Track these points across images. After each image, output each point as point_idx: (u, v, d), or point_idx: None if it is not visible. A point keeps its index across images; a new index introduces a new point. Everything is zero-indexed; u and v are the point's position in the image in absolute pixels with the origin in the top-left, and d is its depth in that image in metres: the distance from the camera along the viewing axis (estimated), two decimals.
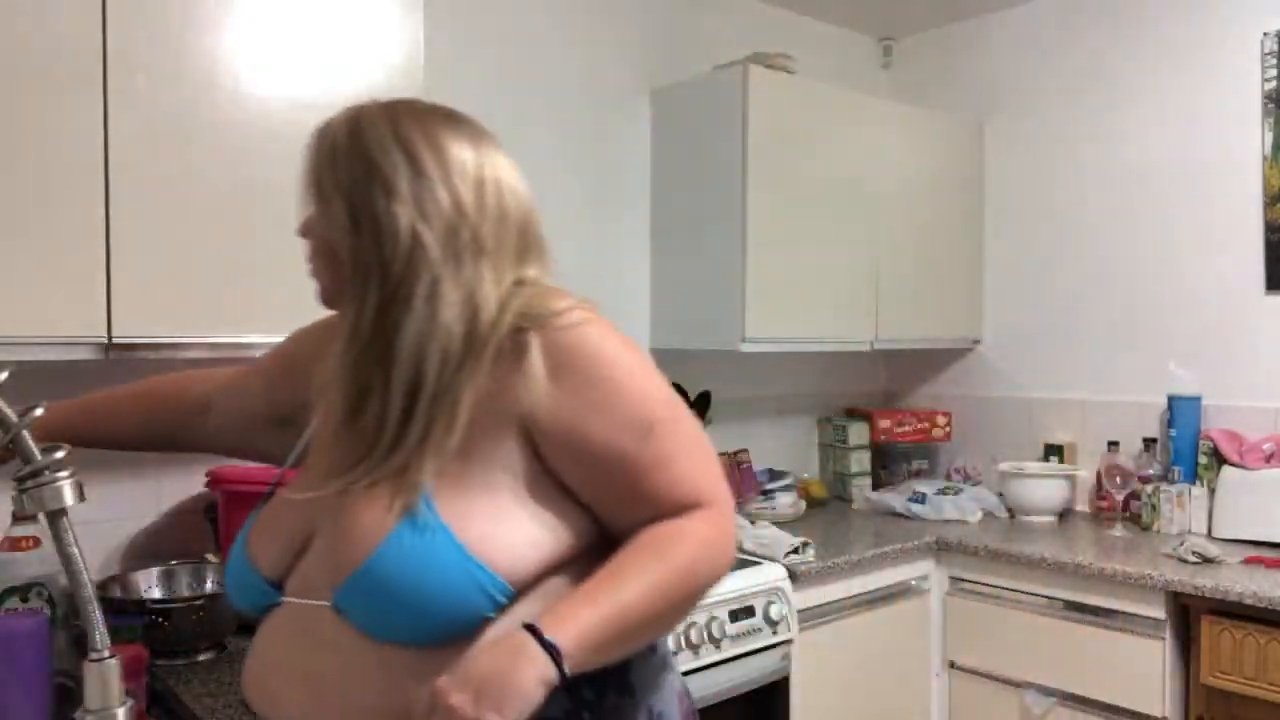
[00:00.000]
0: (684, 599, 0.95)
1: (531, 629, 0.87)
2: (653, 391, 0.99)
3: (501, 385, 0.96)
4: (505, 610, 0.93)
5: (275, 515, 1.07)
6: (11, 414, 0.86)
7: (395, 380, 0.95)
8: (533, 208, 1.07)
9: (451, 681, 0.85)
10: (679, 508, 0.97)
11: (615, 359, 0.98)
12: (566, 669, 0.86)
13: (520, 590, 0.94)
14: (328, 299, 1.06)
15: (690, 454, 0.99)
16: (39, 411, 0.89)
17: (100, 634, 0.84)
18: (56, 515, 0.85)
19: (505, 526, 0.94)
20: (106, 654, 0.84)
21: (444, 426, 0.94)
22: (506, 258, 1.01)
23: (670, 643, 1.12)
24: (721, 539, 0.98)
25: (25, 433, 0.86)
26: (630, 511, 0.98)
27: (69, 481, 0.85)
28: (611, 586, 0.91)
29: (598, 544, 1.01)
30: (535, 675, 0.85)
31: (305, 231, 1.06)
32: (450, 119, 1.03)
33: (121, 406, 1.37)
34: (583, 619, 0.88)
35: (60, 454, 0.86)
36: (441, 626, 0.91)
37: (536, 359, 0.96)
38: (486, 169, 1.02)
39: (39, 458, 0.85)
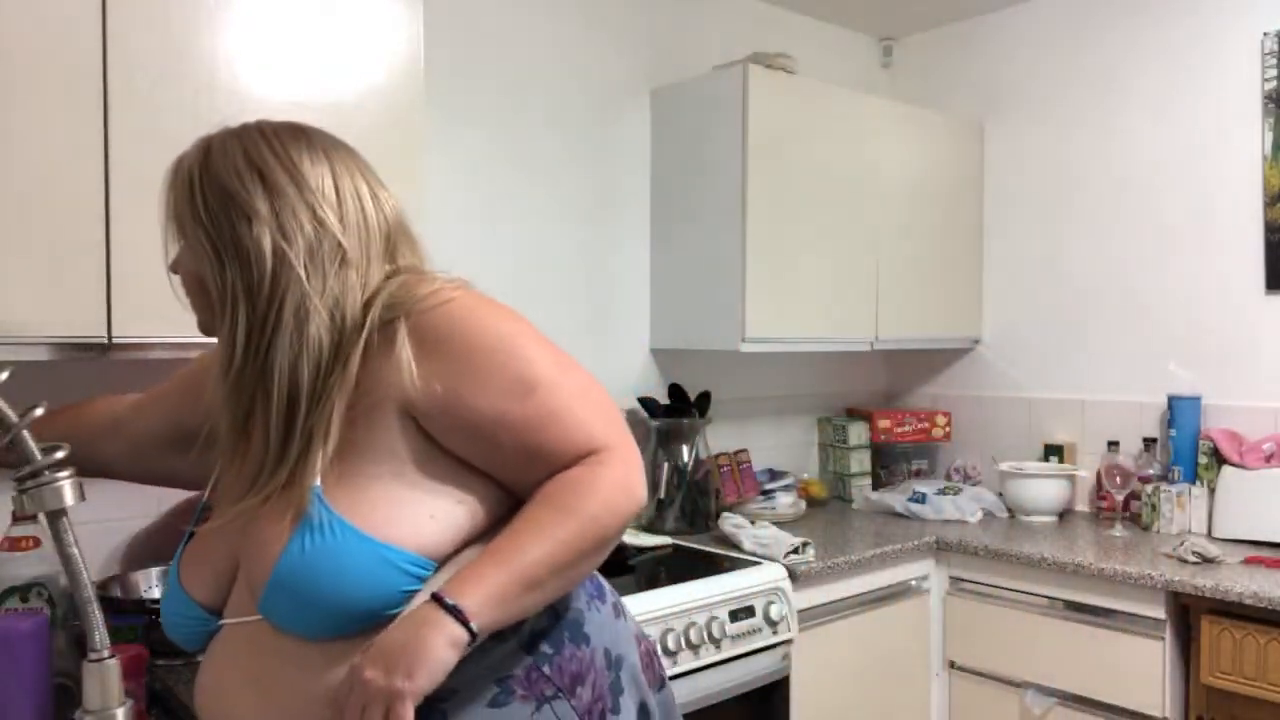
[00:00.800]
0: (591, 546, 0.97)
1: (436, 596, 0.90)
2: (531, 353, 1.00)
3: (375, 378, 0.98)
4: (432, 582, 0.96)
5: (201, 547, 1.09)
6: (12, 414, 0.86)
7: (274, 399, 0.97)
8: (397, 209, 1.08)
9: (365, 658, 0.89)
10: (575, 458, 0.98)
11: (485, 328, 0.99)
12: (474, 627, 0.89)
13: (442, 561, 0.97)
14: (204, 328, 1.08)
15: (580, 404, 1.00)
16: (39, 412, 0.89)
17: (100, 634, 0.84)
18: (56, 515, 0.86)
19: (406, 509, 0.96)
20: (106, 654, 0.84)
21: (322, 433, 0.97)
22: (374, 262, 1.03)
23: (615, 597, 1.15)
24: (624, 481, 0.99)
25: (25, 433, 0.86)
26: (528, 471, 0.99)
27: (69, 481, 0.86)
28: (513, 542, 0.94)
29: (512, 509, 1.02)
30: (444, 639, 0.88)
31: (175, 267, 1.08)
32: (302, 134, 1.05)
33: (42, 425, 1.38)
34: (487, 579, 0.91)
35: (60, 454, 0.86)
36: (364, 613, 0.93)
37: (404, 345, 0.97)
38: (343, 179, 1.03)
39: (39, 458, 0.85)
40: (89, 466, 1.27)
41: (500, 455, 0.99)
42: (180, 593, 1.07)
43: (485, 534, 1.00)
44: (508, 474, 1.01)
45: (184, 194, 1.02)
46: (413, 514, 0.96)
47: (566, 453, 0.99)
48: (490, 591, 0.91)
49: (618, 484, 0.99)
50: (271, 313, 0.97)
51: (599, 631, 1.07)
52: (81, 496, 0.86)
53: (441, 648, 0.88)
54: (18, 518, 1.54)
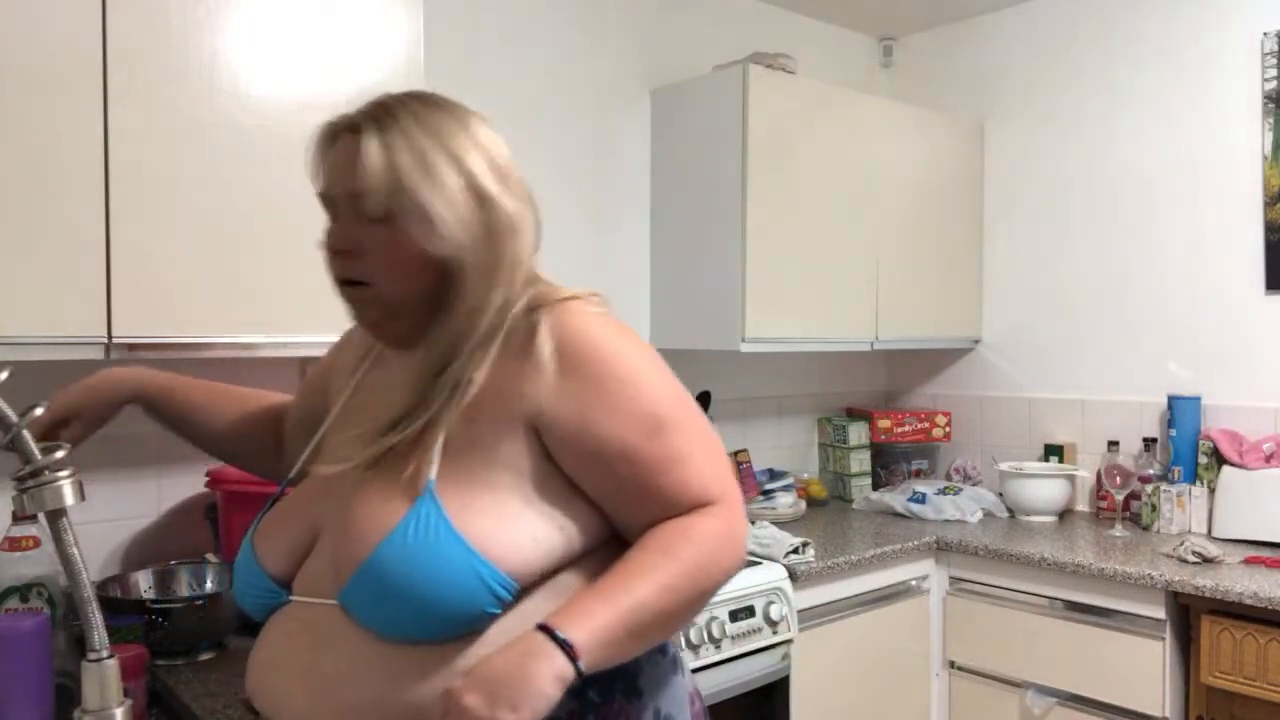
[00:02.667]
0: (695, 597, 0.95)
1: (545, 628, 0.87)
2: (662, 388, 1.00)
3: (510, 377, 0.97)
4: (513, 607, 0.93)
5: (281, 515, 1.07)
6: (11, 414, 0.86)
7: (431, 357, 0.99)
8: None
9: (466, 683, 0.86)
10: (689, 505, 0.97)
11: (624, 355, 0.99)
12: (582, 665, 0.86)
13: (528, 587, 0.94)
14: (393, 309, 1.03)
15: (700, 451, 0.99)
16: (38, 411, 0.89)
17: (99, 634, 0.84)
18: (56, 515, 0.85)
19: (509, 524, 0.94)
20: (105, 654, 0.83)
21: (463, 388, 0.97)
22: (532, 242, 1.05)
23: (681, 641, 1.13)
24: (732, 537, 0.98)
25: (25, 432, 0.86)
26: (640, 510, 0.98)
27: (69, 481, 0.85)
28: (624, 583, 0.91)
29: (608, 541, 1.01)
30: (551, 673, 0.85)
31: (349, 234, 1.01)
32: (466, 110, 1.05)
33: (227, 402, 1.34)
34: (597, 616, 0.88)
35: (60, 454, 0.86)
36: (444, 622, 0.90)
37: (546, 350, 0.97)
38: (506, 156, 1.05)
39: (39, 457, 0.85)
40: (258, 458, 1.33)
41: (615, 487, 0.98)
42: (252, 559, 1.05)
43: (576, 563, 0.98)
44: (617, 507, 0.99)
45: (416, 166, 0.97)
46: (516, 532, 0.94)
47: (682, 499, 0.97)
48: (599, 629, 0.88)
49: (728, 539, 0.97)
50: (485, 284, 0.99)
51: (653, 687, 1.03)
52: (82, 496, 0.86)
53: (548, 682, 0.85)
54: (18, 518, 1.54)
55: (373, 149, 0.96)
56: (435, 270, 0.99)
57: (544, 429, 0.97)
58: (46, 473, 0.84)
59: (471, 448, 0.97)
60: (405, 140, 0.97)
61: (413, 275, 0.99)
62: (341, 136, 1.01)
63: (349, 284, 1.02)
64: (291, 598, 1.02)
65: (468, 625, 0.91)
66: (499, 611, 0.92)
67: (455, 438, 0.97)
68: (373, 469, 0.99)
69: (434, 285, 1.00)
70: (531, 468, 0.97)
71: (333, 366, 1.23)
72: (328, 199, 1.03)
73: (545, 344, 0.97)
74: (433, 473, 0.95)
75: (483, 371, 0.97)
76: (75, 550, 0.85)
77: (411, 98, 1.02)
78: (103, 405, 1.25)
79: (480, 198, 0.99)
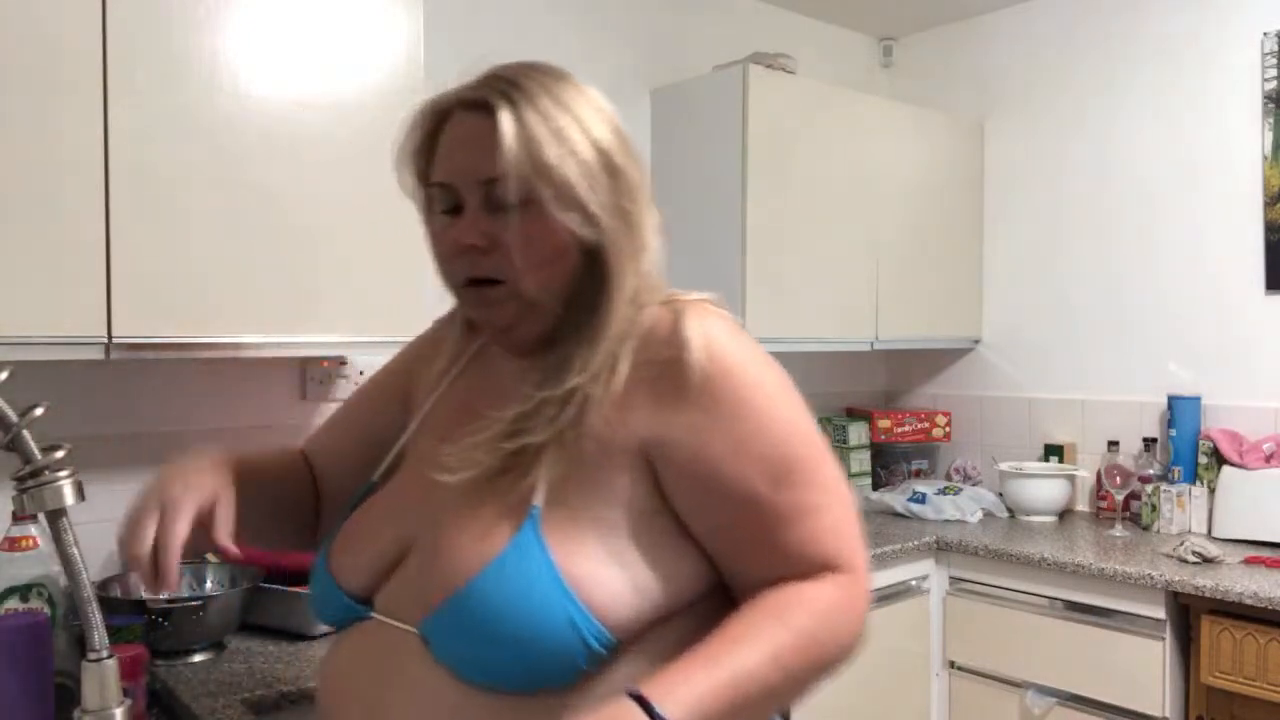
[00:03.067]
0: (806, 675, 0.84)
1: (638, 696, 0.76)
2: (795, 424, 0.89)
3: (634, 393, 0.86)
4: (607, 665, 0.83)
5: (366, 526, 0.96)
6: (12, 414, 0.86)
7: (581, 340, 0.89)
8: None
9: None
10: (810, 568, 0.86)
11: (759, 382, 0.88)
12: None
13: (625, 641, 0.84)
14: (530, 308, 0.90)
15: (829, 507, 0.87)
16: (39, 411, 0.88)
17: (99, 634, 0.83)
18: (56, 515, 0.84)
19: (613, 570, 0.83)
20: (105, 654, 0.83)
21: (608, 374, 0.86)
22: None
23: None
24: (856, 612, 0.87)
25: (25, 433, 0.86)
26: (754, 565, 0.87)
27: (69, 481, 0.85)
28: (729, 651, 0.80)
29: (713, 597, 0.90)
30: None
31: (527, 232, 0.87)
32: (570, 74, 0.99)
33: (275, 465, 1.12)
34: (696, 685, 0.78)
35: (60, 453, 0.85)
36: (529, 671, 0.81)
37: (695, 369, 0.85)
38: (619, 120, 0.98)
39: (39, 457, 0.85)
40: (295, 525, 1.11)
41: (730, 533, 0.87)
42: (325, 572, 0.95)
43: (675, 618, 0.87)
44: (730, 559, 0.88)
45: (538, 139, 0.86)
46: (619, 579, 0.83)
47: (804, 560, 0.86)
48: (697, 701, 0.77)
49: (851, 614, 0.86)
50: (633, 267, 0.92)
51: None
52: (81, 496, 0.85)
53: None
54: (18, 518, 1.54)
55: (509, 127, 0.85)
56: (574, 258, 0.89)
57: (661, 459, 0.86)
58: (47, 473, 0.84)
59: (581, 473, 0.86)
60: (539, 115, 0.86)
61: (554, 266, 0.88)
62: (454, 115, 0.90)
63: (480, 283, 0.89)
64: (372, 614, 0.91)
65: (554, 679, 0.81)
66: (590, 668, 0.82)
67: (565, 460, 0.86)
68: (475, 485, 0.88)
69: (572, 276, 0.89)
70: (642, 503, 0.86)
71: (412, 372, 1.09)
72: (446, 188, 0.90)
73: (694, 360, 0.85)
74: (539, 499, 0.84)
75: (612, 383, 0.86)
76: (75, 550, 0.84)
77: (528, 66, 0.92)
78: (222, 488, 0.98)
79: (611, 170, 0.90)
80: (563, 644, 0.80)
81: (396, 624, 0.88)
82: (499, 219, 0.87)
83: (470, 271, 0.89)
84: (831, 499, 0.88)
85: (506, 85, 0.88)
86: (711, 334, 0.87)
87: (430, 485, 0.89)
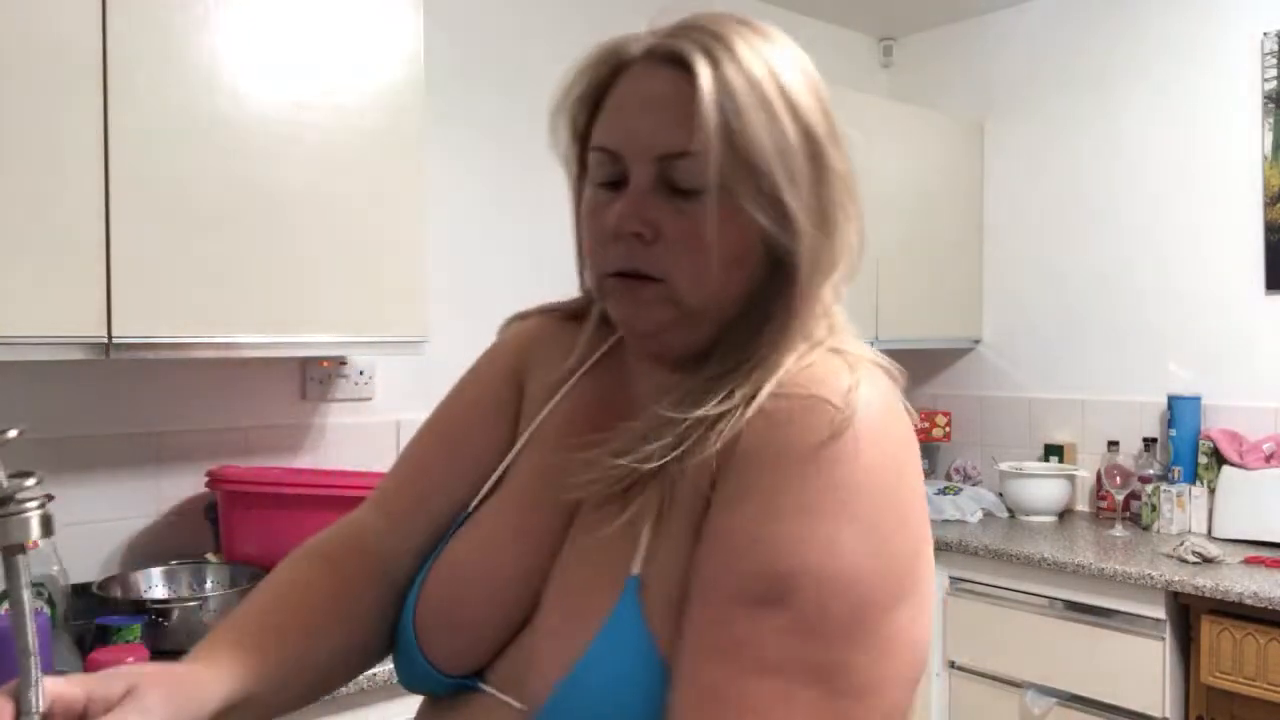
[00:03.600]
0: None
1: None
2: (887, 557, 0.66)
3: (742, 440, 0.66)
4: None
5: (462, 580, 0.75)
6: None
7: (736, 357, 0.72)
8: None
9: None
10: None
11: (897, 499, 0.69)
12: None
13: None
14: (691, 314, 0.71)
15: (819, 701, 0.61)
16: (12, 434, 0.71)
17: (35, 693, 0.67)
18: (14, 550, 0.72)
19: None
20: (36, 718, 0.67)
21: (712, 444, 0.66)
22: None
23: None
24: None
25: None
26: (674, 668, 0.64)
27: (37, 514, 0.72)
28: None
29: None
30: None
31: (706, 224, 0.69)
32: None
33: (306, 621, 0.80)
34: None
35: (31, 480, 0.73)
36: None
37: (821, 432, 0.65)
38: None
39: (5, 485, 0.73)
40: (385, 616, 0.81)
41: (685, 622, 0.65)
42: (411, 640, 0.75)
43: None
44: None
45: (744, 111, 0.68)
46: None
47: None
48: None
49: None
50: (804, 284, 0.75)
51: None
52: (48, 532, 0.72)
53: None
54: None
55: (709, 93, 0.66)
56: (755, 267, 0.72)
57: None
58: (12, 503, 0.72)
59: (687, 522, 0.66)
60: (748, 82, 0.68)
61: (730, 273, 0.70)
62: (635, 67, 0.74)
63: (632, 277, 0.70)
64: (482, 686, 0.73)
65: None
66: None
67: (674, 500, 0.68)
68: (583, 524, 0.72)
69: (747, 288, 0.72)
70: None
71: (522, 374, 0.87)
72: (611, 155, 0.72)
73: (837, 424, 0.64)
74: (638, 560, 0.67)
75: (748, 414, 0.66)
76: (26, 594, 0.73)
77: (730, 17, 0.73)
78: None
79: (814, 156, 0.73)
80: None
81: (508, 701, 0.71)
82: (672, 205, 0.69)
83: (624, 263, 0.70)
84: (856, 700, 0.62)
85: (710, 39, 0.69)
86: (876, 416, 0.68)
87: (536, 525, 0.75)
